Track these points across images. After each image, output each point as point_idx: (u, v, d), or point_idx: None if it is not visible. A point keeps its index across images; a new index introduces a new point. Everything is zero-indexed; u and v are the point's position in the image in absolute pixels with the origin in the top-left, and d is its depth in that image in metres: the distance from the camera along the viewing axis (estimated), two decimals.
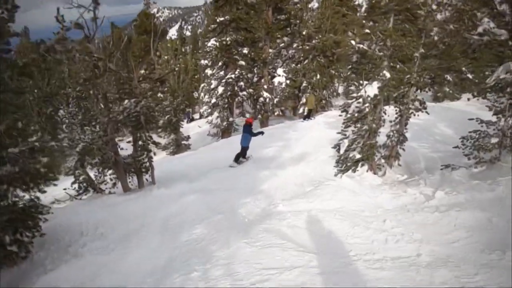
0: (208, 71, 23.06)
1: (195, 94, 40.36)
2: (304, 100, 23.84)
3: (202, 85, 32.66)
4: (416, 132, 12.23)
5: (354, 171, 8.78)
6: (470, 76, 27.18)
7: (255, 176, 9.97)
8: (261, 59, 21.48)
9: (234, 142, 14.75)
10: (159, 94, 18.92)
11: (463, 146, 8.05)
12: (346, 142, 8.98)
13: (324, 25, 21.78)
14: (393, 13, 8.84)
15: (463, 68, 26.50)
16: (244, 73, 20.41)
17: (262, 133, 13.35)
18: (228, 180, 10.12)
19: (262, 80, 22.56)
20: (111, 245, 6.80)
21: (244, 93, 21.97)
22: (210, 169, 12.00)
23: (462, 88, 29.52)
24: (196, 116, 39.70)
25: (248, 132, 12.52)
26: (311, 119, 19.03)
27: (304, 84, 24.86)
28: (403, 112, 9.33)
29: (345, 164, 8.88)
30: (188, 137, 23.50)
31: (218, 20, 20.17)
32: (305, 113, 20.31)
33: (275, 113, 23.74)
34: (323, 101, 25.33)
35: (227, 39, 20.27)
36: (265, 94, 22.01)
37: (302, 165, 10.43)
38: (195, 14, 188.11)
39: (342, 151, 9.04)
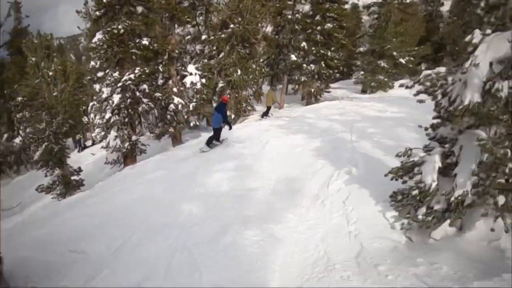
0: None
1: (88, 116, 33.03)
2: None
3: (91, 103, 26.04)
4: None
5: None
6: (402, 61, 25.57)
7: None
8: (166, 52, 16.47)
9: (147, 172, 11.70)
10: None
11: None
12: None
13: (243, 5, 17.63)
14: None
15: (394, 53, 24.50)
16: (147, 71, 15.35)
17: (230, 126, 12.89)
18: None
19: (170, 82, 17.84)
20: None
21: (148, 99, 16.85)
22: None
23: (397, 74, 28.22)
24: (89, 143, 33.65)
25: (222, 112, 12.01)
26: (269, 116, 19.02)
27: (220, 84, 20.52)
28: None
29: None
30: (79, 170, 17.51)
31: (104, 0, 14.89)
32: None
33: (191, 123, 18.81)
34: (244, 105, 21.26)
35: (119, 27, 15.07)
36: (176, 99, 17.25)
37: (313, 215, 7.36)
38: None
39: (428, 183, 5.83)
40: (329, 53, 24.01)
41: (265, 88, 28.55)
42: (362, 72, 30.69)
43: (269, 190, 8.31)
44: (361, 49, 29.18)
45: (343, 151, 9.76)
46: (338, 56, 25.12)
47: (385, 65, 26.94)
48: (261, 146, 11.06)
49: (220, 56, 20.78)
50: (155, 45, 16.70)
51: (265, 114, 19.19)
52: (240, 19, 19.00)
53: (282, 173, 8.96)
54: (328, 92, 26.53)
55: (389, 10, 26.23)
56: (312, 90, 24.80)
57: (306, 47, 23.72)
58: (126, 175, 12.70)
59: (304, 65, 24.17)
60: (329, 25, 23.59)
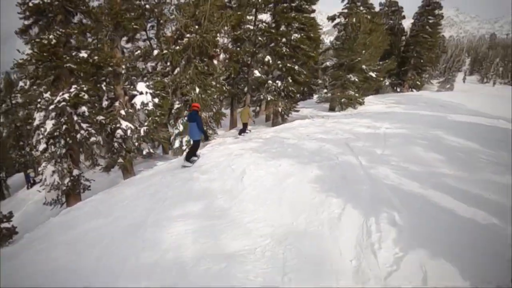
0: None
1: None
2: (181, 128, 18.82)
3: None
4: None
5: None
6: (373, 74, 24.16)
7: None
8: (110, 66, 14.08)
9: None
10: None
11: None
12: None
13: (200, 11, 15.58)
14: None
15: (364, 66, 23.02)
16: (85, 89, 12.97)
17: (206, 136, 12.26)
18: None
19: (117, 103, 15.34)
20: None
21: (89, 125, 14.33)
22: None
23: (366, 89, 26.88)
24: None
25: (197, 121, 11.24)
26: (247, 132, 18.90)
27: (177, 105, 18.21)
28: None
29: None
30: (9, 216, 14.35)
31: (31, 4, 12.47)
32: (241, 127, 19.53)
33: (144, 152, 16.26)
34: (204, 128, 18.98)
35: (50, 37, 12.61)
36: (124, 123, 14.80)
37: None
38: None
39: None
40: (296, 67, 22.33)
41: (225, 111, 26.55)
42: (325, 90, 29.39)
43: (264, 259, 4.90)
44: (327, 63, 27.77)
45: (357, 182, 7.27)
46: (306, 71, 23.18)
47: (356, 79, 25.51)
48: (237, 177, 8.49)
49: (175, 72, 18.46)
50: (96, 57, 14.16)
51: (242, 131, 18.85)
52: (197, 27, 16.83)
53: (279, 224, 5.87)
54: (297, 111, 24.65)
55: (358, 19, 24.91)
56: (279, 109, 22.81)
57: (270, 61, 21.96)
58: (55, 225, 9.63)
59: (269, 81, 22.21)
60: (296, 35, 21.90)
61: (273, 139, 13.44)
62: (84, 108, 14.39)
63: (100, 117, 14.94)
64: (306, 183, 7.47)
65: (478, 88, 77.71)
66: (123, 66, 16.26)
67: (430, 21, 42.97)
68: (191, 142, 11.87)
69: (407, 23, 47.70)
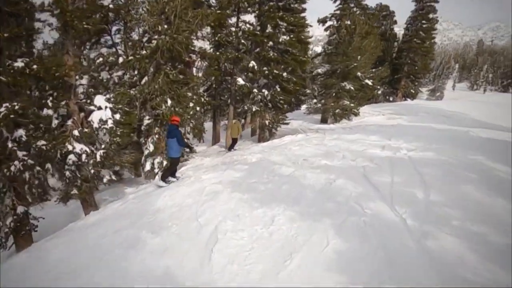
0: None
1: None
2: (151, 148, 16.17)
3: None
4: None
5: None
6: (369, 82, 21.63)
7: None
8: (58, 78, 11.28)
9: None
10: None
11: None
12: None
13: (170, 7, 12.88)
14: None
15: (359, 73, 20.39)
16: (16, 107, 10.18)
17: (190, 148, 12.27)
18: None
19: (70, 122, 12.38)
20: None
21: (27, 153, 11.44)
22: None
23: (361, 98, 24.46)
24: None
25: (177, 136, 10.23)
26: (235, 149, 18.23)
27: (147, 120, 15.50)
28: None
29: None
30: None
31: None
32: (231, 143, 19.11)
33: (105, 179, 13.41)
34: (186, 150, 16.33)
35: None
36: (79, 146, 11.97)
37: None
38: None
39: None
40: (284, 74, 19.56)
41: (207, 125, 24.10)
42: (314, 100, 26.99)
43: None
44: (319, 70, 25.15)
45: (413, 270, 4.42)
46: (296, 79, 20.37)
47: (351, 87, 22.98)
48: (204, 246, 5.52)
49: (143, 82, 15.64)
50: (34, 66, 11.20)
51: (231, 147, 18.59)
52: (166, 26, 14.05)
53: None
54: (286, 123, 21.89)
55: (354, 21, 22.43)
56: (267, 122, 20.05)
57: (255, 67, 19.10)
58: None
59: (255, 90, 19.45)
60: (284, 37, 19.05)
61: (261, 165, 10.52)
62: (21, 132, 11.45)
63: (41, 142, 11.85)
64: (322, 272, 4.48)
65: (469, 96, 76.14)
66: (77, 77, 13.40)
67: (424, 26, 40.80)
68: (168, 161, 11.08)
69: (397, 29, 45.83)
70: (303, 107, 43.14)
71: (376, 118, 23.02)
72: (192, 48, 16.87)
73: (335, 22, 25.18)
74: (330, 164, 9.47)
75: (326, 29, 25.71)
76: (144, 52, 14.59)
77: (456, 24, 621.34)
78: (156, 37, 14.27)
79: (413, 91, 43.13)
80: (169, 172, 10.74)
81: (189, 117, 17.09)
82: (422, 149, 10.11)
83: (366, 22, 23.99)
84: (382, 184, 7.46)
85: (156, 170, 16.01)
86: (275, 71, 19.13)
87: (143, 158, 16.56)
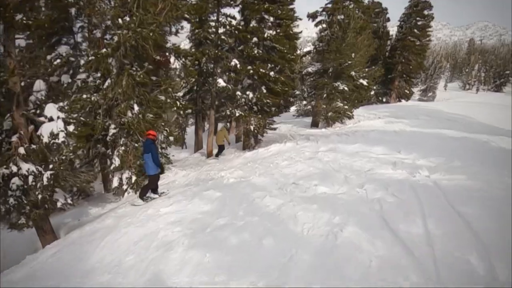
0: None
1: None
2: (117, 161, 13.73)
3: None
4: None
5: None
6: (364, 82, 19.54)
7: None
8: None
9: None
10: None
11: None
12: None
13: None
14: None
15: (353, 73, 18.28)
16: None
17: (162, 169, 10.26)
18: None
19: (15, 137, 10.22)
20: None
21: None
22: None
23: (354, 100, 22.49)
24: None
25: (152, 151, 9.62)
26: (223, 155, 18.55)
27: (112, 130, 13.49)
28: None
29: None
30: None
31: None
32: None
33: (58, 203, 11.27)
34: (163, 160, 14.12)
35: None
36: (26, 166, 9.97)
37: None
38: None
39: None
40: (271, 74, 17.30)
41: (189, 130, 22.32)
42: (304, 102, 25.01)
43: None
44: (309, 69, 23.05)
45: None
46: (284, 79, 18.09)
47: (345, 88, 20.95)
48: None
49: (106, 85, 13.41)
50: None
51: (218, 154, 18.70)
52: (128, 19, 11.83)
53: None
54: (273, 129, 19.66)
55: (347, 15, 20.38)
56: (252, 127, 17.85)
57: (238, 65, 16.81)
58: None
59: (238, 93, 17.26)
60: (270, 32, 16.81)
61: (238, 190, 8.33)
62: None
63: None
64: None
65: (461, 96, 74.62)
66: (22, 83, 11.13)
67: (419, 23, 39.01)
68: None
69: (390, 27, 44.05)
70: (292, 109, 41.21)
71: (373, 122, 20.95)
72: (164, 45, 14.66)
73: (326, 17, 23.14)
74: (330, 192, 7.25)
75: (316, 25, 23.58)
76: (104, 50, 12.36)
77: (444, 24, 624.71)
78: (118, 32, 12.05)
79: (407, 92, 41.32)
80: (146, 190, 10.04)
81: (163, 123, 14.98)
82: (446, 169, 7.97)
83: (361, 16, 22.03)
84: (413, 239, 5.13)
85: (125, 187, 13.91)
86: (261, 70, 16.81)
87: (110, 172, 14.41)
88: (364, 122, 21.35)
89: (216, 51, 17.51)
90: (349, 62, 20.54)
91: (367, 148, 11.14)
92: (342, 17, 20.96)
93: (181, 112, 17.20)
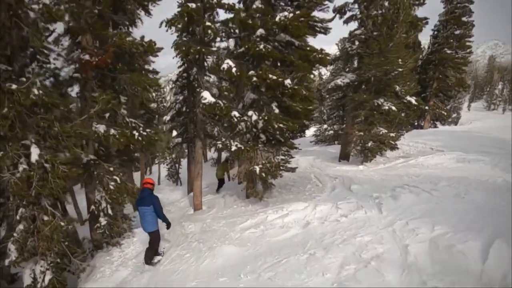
0: None
1: None
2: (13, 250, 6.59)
3: None
4: None
5: None
6: (412, 100, 13.50)
7: None
8: None
9: None
10: None
11: None
12: None
13: None
14: None
15: (397, 87, 11.65)
16: None
17: (168, 224, 8.45)
18: None
19: None
20: None
21: None
22: None
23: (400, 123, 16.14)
24: None
25: (154, 204, 7.84)
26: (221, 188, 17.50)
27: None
28: None
29: None
30: None
31: None
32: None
33: None
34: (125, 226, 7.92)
35: None
36: None
37: None
38: None
39: None
40: (287, 82, 10.32)
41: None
42: (325, 126, 18.78)
43: None
44: (338, 81, 16.47)
45: None
46: (306, 91, 11.31)
47: (392, 107, 14.49)
48: None
49: None
50: None
51: (218, 189, 17.44)
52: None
53: None
54: (292, 170, 12.61)
55: (394, 3, 14.01)
56: (257, 168, 11.03)
57: (233, 69, 10.04)
58: None
59: (235, 113, 10.64)
60: (285, 15, 10.09)
61: None
62: None
63: None
64: None
65: (487, 116, 67.99)
66: None
67: (456, 33, 32.61)
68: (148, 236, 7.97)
69: (421, 38, 37.81)
70: (308, 133, 34.85)
71: (436, 158, 14.15)
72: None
73: (358, 12, 16.77)
74: None
75: (345, 21, 17.19)
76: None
77: None
78: None
79: (445, 113, 34.53)
80: (151, 252, 8.02)
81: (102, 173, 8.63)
82: None
83: (411, 6, 15.71)
84: None
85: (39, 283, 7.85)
86: (270, 76, 9.86)
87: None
88: (421, 158, 14.60)
89: (199, 48, 10.85)
90: (400, 69, 14.05)
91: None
92: (387, 4, 14.64)
93: (143, 150, 10.78)
